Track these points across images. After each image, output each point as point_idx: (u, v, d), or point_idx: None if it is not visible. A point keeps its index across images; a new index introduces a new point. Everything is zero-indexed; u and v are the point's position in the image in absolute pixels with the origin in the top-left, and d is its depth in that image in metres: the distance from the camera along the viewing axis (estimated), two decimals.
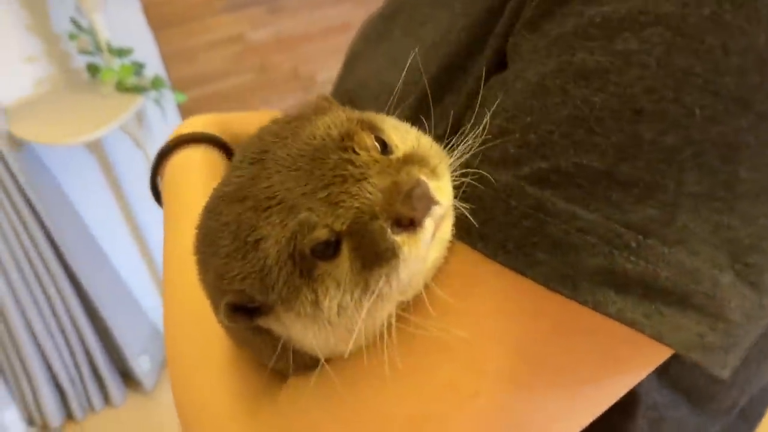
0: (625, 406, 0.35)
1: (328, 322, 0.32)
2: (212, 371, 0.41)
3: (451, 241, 0.34)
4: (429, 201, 0.31)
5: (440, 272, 0.33)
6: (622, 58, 0.28)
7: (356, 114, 0.36)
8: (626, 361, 0.31)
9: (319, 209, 0.31)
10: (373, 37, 0.58)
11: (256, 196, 0.32)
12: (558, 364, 0.31)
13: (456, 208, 0.33)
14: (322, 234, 0.31)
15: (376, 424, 0.33)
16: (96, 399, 2.27)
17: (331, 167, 0.31)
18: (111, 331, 2.17)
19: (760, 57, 0.26)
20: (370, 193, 0.31)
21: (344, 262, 0.31)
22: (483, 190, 0.32)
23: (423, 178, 0.31)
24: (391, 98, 0.43)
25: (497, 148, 0.32)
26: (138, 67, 1.95)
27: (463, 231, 0.32)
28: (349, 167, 0.31)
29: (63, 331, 2.10)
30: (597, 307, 0.28)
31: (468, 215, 0.32)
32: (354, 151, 0.32)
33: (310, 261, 0.31)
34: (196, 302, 0.42)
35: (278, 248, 0.31)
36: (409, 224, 0.31)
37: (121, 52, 1.91)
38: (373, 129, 0.34)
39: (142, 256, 2.45)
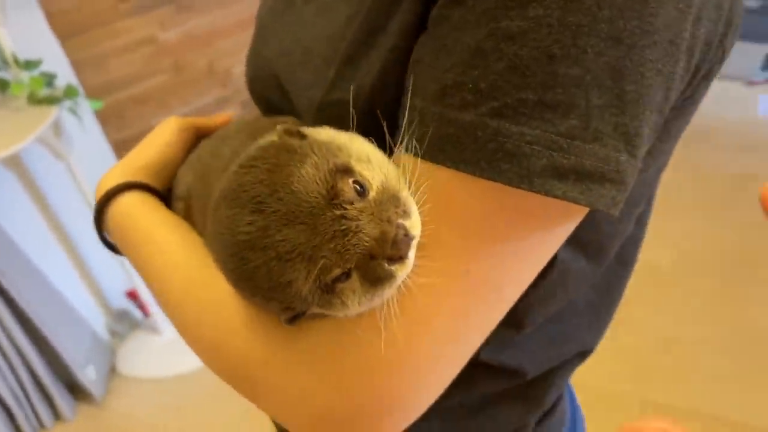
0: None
1: (354, 309, 0.45)
2: (240, 335, 0.51)
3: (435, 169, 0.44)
4: (409, 240, 0.42)
5: (424, 198, 0.45)
6: (535, 22, 0.39)
7: (331, 161, 0.44)
8: (562, 225, 0.45)
9: (331, 257, 0.41)
10: (279, 6, 0.64)
11: (275, 247, 0.41)
12: (522, 237, 0.44)
13: (438, 141, 0.43)
14: (337, 272, 0.42)
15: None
16: (45, 416, 2.25)
17: (330, 223, 0.41)
18: (53, 345, 2.16)
19: (620, 8, 0.39)
20: (366, 242, 0.41)
21: (355, 281, 0.43)
22: (455, 129, 0.42)
23: (401, 221, 0.42)
24: (319, 61, 0.53)
25: (455, 97, 0.42)
26: (49, 78, 1.93)
27: (448, 160, 0.43)
28: (344, 221, 0.41)
29: (2, 351, 2.08)
30: (548, 193, 0.40)
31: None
32: (343, 207, 0.42)
33: (331, 285, 0.43)
34: (213, 300, 0.52)
35: (308, 286, 0.42)
36: (399, 258, 0.42)
37: (30, 65, 1.89)
38: (348, 173, 0.43)
39: (76, 266, 2.43)
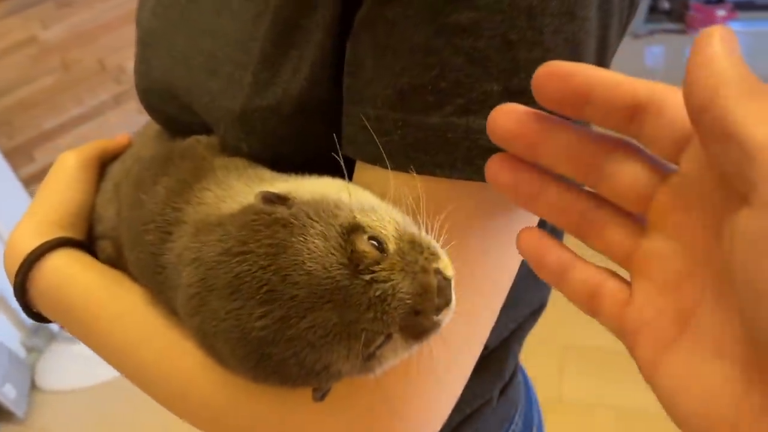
0: None
1: (389, 366, 0.41)
2: (243, 402, 0.46)
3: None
4: (449, 283, 0.38)
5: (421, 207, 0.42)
6: (486, 10, 0.37)
7: (337, 224, 0.39)
8: None
9: (372, 326, 0.37)
10: (160, 10, 0.59)
11: (304, 336, 0.36)
12: (507, 226, 0.43)
13: (406, 149, 0.41)
14: (380, 340, 0.38)
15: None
16: None
17: (363, 292, 0.36)
18: None
19: None
20: (408, 300, 0.37)
21: (397, 340, 0.39)
22: (423, 134, 0.40)
23: (435, 266, 0.38)
24: (230, 68, 0.49)
25: (416, 101, 0.40)
26: None
27: (422, 167, 0.40)
28: (377, 285, 0.37)
29: None
30: None
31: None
32: (370, 270, 0.37)
33: (372, 353, 0.38)
34: (196, 370, 0.47)
35: (350, 363, 0.38)
36: (444, 305, 0.38)
37: None
38: (359, 231, 0.38)
39: None
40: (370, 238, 0.38)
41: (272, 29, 0.46)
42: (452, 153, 0.39)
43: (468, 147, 0.39)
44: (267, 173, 0.48)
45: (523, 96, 0.39)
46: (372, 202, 0.41)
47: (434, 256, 0.39)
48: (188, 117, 0.55)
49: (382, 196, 0.42)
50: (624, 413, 1.97)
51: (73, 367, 2.43)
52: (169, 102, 0.57)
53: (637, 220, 0.33)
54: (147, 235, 0.47)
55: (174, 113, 0.57)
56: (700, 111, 0.24)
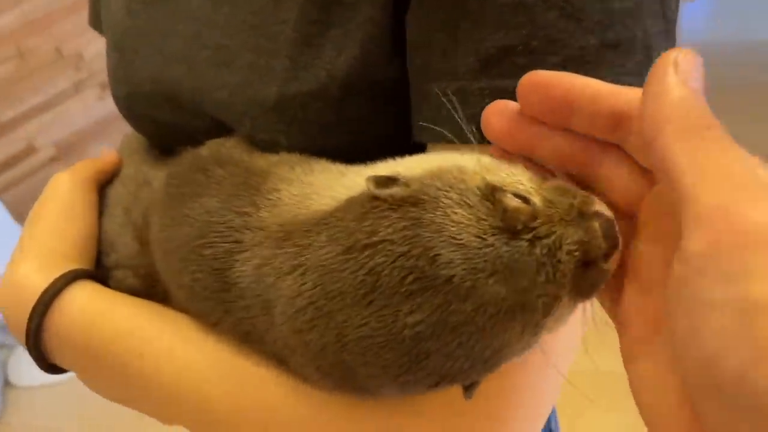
0: None
1: (535, 344, 0.36)
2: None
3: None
4: (613, 224, 0.33)
5: None
6: None
7: (476, 187, 0.34)
8: None
9: (547, 290, 0.32)
10: (138, 7, 0.55)
11: (471, 321, 0.32)
12: None
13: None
14: (557, 305, 0.33)
15: None
16: None
17: (528, 253, 0.32)
18: None
19: None
20: (576, 252, 0.32)
21: (564, 305, 0.34)
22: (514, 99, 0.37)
23: (594, 209, 0.33)
24: (255, 58, 0.45)
25: (503, 65, 0.38)
26: None
27: None
28: (541, 242, 0.32)
29: None
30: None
31: None
32: (529, 228, 0.32)
33: (543, 324, 0.33)
34: (282, 402, 0.41)
35: (524, 340, 0.33)
36: (613, 249, 0.33)
37: None
38: (497, 191, 0.34)
39: None
40: (515, 195, 0.34)
41: (308, 8, 0.43)
42: None
43: None
44: (333, 165, 0.43)
45: (619, 48, 0.37)
46: (496, 163, 0.36)
47: (587, 197, 0.34)
48: (187, 119, 0.51)
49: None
50: (599, 377, 2.01)
51: None
52: (161, 106, 0.53)
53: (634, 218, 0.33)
54: (205, 250, 0.42)
55: (166, 117, 0.53)
56: (647, 146, 0.25)
